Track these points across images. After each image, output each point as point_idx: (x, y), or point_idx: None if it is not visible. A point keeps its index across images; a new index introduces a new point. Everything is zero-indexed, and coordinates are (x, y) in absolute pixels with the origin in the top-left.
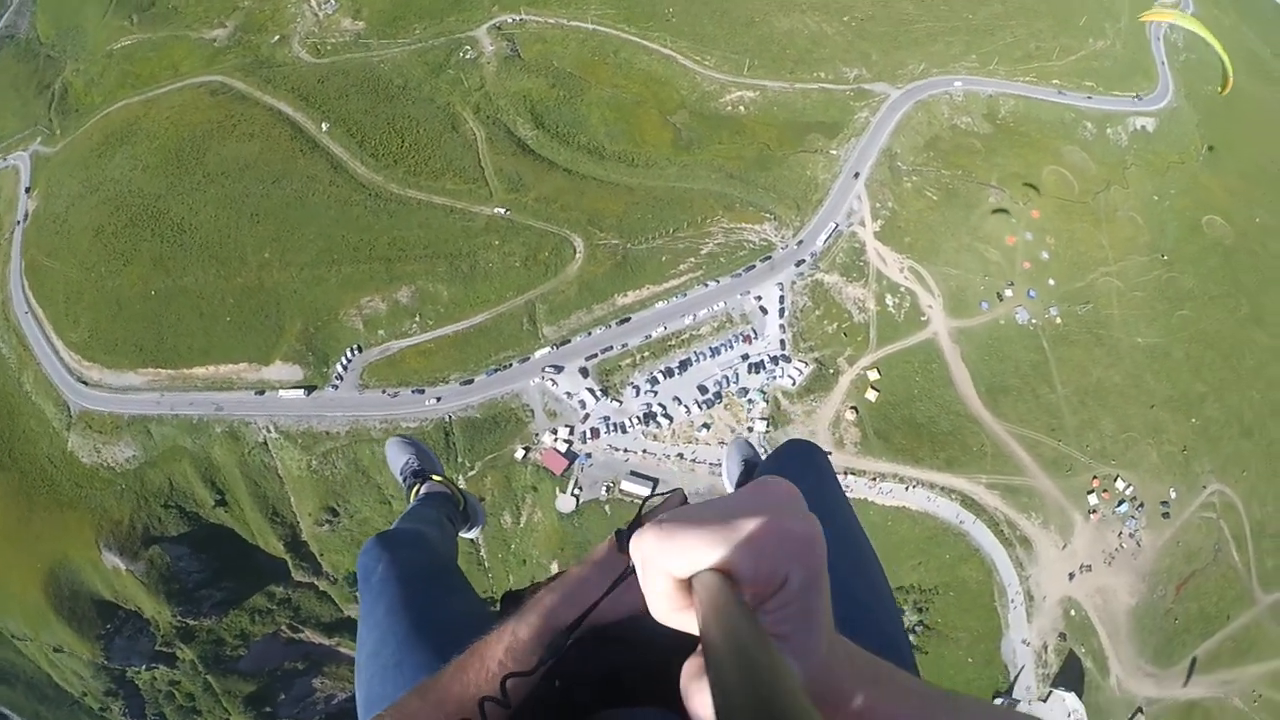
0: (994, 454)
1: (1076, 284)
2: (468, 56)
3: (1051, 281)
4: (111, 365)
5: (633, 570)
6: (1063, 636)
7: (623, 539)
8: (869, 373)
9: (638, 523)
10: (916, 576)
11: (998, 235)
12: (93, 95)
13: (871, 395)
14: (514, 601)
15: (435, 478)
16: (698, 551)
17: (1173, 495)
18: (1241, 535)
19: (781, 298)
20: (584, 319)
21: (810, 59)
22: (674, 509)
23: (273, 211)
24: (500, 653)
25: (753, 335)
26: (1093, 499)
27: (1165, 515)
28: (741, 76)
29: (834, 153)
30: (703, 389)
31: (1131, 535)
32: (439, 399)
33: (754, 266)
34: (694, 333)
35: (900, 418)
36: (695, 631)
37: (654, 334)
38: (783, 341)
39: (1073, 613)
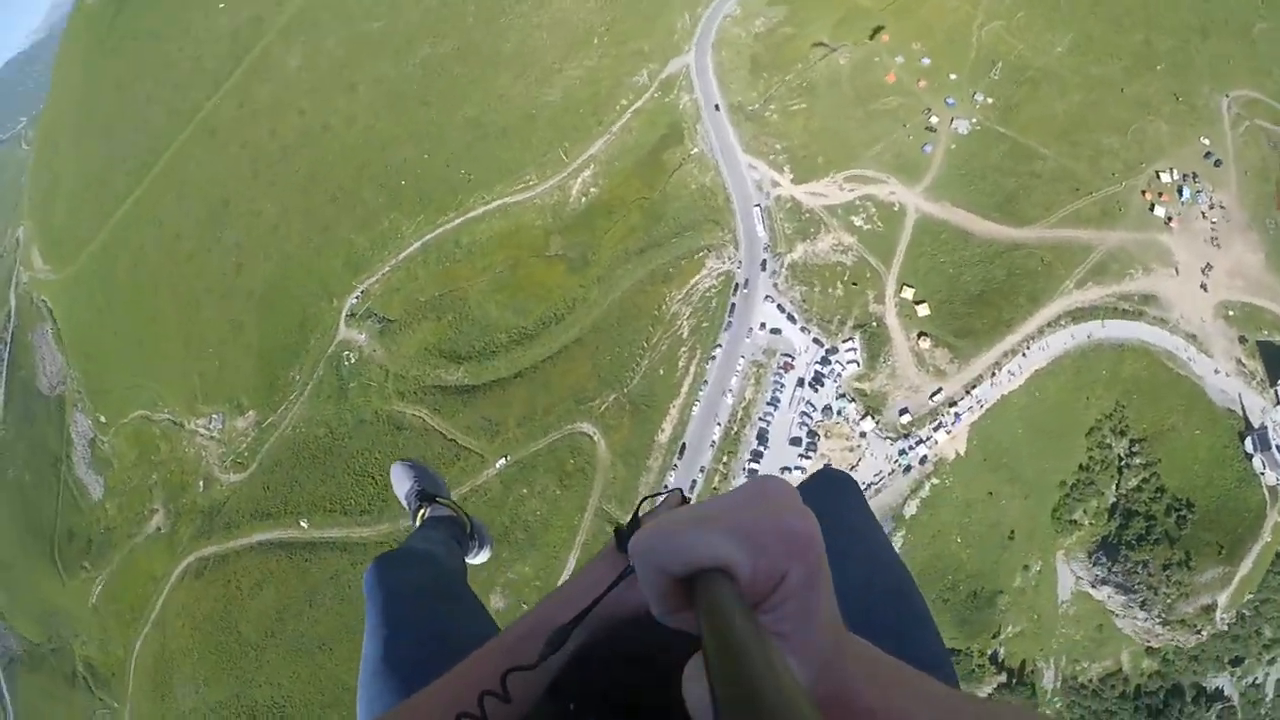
0: (1056, 257)
1: (970, 56)
2: (352, 362)
3: (953, 76)
4: None
5: (633, 569)
6: (1242, 340)
7: (622, 538)
8: (903, 295)
9: (636, 523)
10: (1096, 410)
11: (878, 84)
12: (108, 661)
13: (923, 310)
14: None
15: (440, 500)
16: (694, 550)
17: (1205, 142)
18: (1277, 113)
19: (779, 306)
20: (648, 482)
21: (600, 97)
22: (672, 508)
23: (329, 635)
24: (501, 652)
25: (789, 360)
26: (1159, 210)
27: (1217, 164)
28: (567, 166)
29: (695, 150)
30: (796, 441)
31: (1211, 208)
32: None
33: (734, 305)
34: (743, 405)
35: (961, 303)
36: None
37: (714, 437)
38: (816, 340)
39: (1231, 312)
